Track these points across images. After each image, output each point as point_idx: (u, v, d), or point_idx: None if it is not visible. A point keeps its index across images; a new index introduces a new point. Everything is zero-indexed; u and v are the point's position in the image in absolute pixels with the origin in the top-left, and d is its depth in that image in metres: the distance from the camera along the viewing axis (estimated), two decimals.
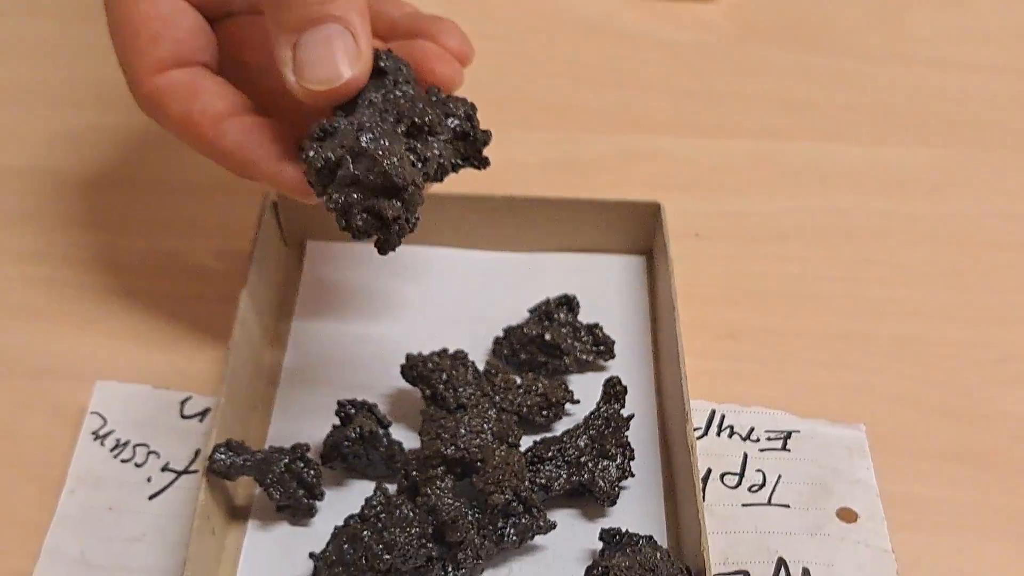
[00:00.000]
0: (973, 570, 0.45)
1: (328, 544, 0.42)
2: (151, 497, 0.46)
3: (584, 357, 0.51)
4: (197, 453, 0.47)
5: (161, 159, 0.61)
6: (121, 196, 0.59)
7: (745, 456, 0.48)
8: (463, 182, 0.58)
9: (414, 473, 0.44)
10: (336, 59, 0.41)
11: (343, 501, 0.45)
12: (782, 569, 0.44)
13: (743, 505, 0.46)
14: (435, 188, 0.54)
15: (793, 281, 0.56)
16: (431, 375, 0.47)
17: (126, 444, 0.48)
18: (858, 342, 0.53)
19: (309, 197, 0.43)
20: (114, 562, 0.44)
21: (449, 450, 0.44)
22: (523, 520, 0.43)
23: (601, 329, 0.51)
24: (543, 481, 0.44)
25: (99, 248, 0.56)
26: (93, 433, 0.48)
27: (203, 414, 0.49)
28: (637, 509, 0.46)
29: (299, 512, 0.45)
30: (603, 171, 0.61)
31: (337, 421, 0.46)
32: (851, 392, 0.51)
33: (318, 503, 0.45)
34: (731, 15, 0.71)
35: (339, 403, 0.46)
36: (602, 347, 0.51)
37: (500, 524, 0.43)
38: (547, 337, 0.50)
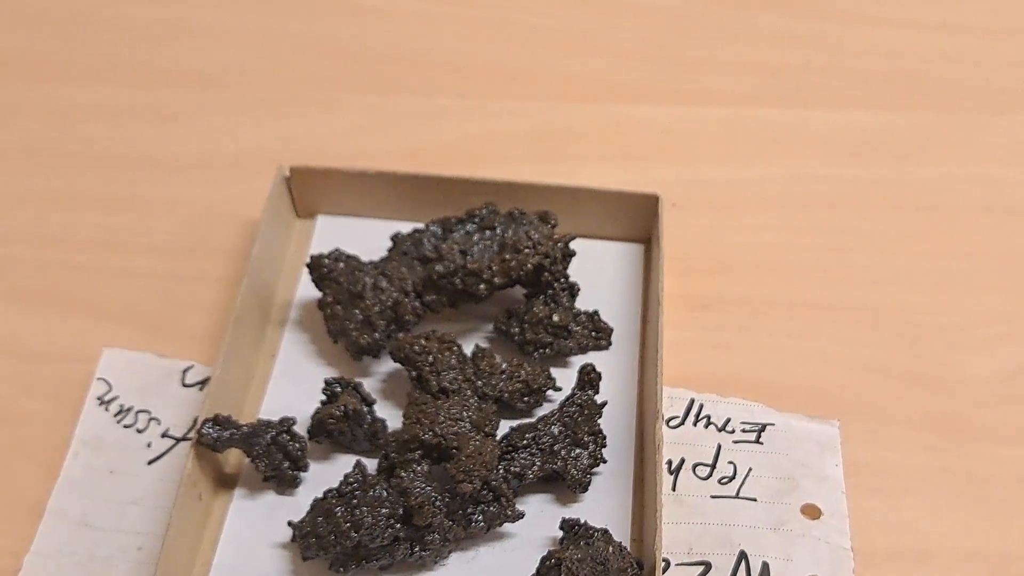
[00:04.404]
0: (934, 533, 0.47)
1: (306, 514, 0.45)
2: (150, 462, 0.49)
3: (584, 342, 0.52)
4: (196, 421, 0.50)
5: (159, 136, 0.62)
6: (120, 174, 0.61)
7: (719, 447, 0.49)
8: (455, 163, 0.60)
9: (393, 454, 0.46)
10: None
11: (328, 474, 0.48)
12: (743, 562, 0.46)
13: (712, 496, 0.48)
14: (433, 170, 0.56)
15: (765, 250, 0.57)
16: (417, 357, 0.49)
17: (129, 410, 0.50)
18: (828, 310, 0.55)
19: None
20: (113, 524, 0.47)
21: (427, 435, 0.46)
22: (491, 508, 0.45)
23: (599, 315, 0.53)
24: (517, 469, 0.46)
25: (104, 229, 0.58)
26: (98, 398, 0.50)
27: (204, 383, 0.51)
28: (607, 497, 0.47)
29: (284, 482, 0.47)
30: (580, 141, 0.62)
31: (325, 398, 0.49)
32: (820, 360, 0.53)
33: (303, 474, 0.48)
34: None
35: (326, 381, 0.48)
36: (600, 334, 0.52)
37: (469, 510, 0.45)
38: (555, 318, 0.51)
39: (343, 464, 0.48)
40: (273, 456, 0.47)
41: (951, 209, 0.59)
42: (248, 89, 0.65)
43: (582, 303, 0.53)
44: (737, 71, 0.66)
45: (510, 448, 0.47)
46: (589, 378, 0.49)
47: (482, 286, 0.51)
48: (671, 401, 0.50)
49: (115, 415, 0.50)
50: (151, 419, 0.50)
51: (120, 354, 0.52)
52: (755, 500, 0.47)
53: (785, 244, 0.57)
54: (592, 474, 0.47)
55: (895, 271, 0.56)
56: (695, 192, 0.59)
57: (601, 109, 0.64)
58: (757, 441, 0.49)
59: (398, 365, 0.51)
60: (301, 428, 0.48)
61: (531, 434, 0.47)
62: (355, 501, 0.44)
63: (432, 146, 0.62)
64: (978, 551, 0.47)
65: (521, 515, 0.46)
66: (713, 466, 0.49)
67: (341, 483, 0.45)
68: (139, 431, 0.50)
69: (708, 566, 0.46)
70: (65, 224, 0.58)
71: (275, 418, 0.48)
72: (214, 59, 0.67)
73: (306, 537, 0.44)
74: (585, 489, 0.47)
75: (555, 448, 0.47)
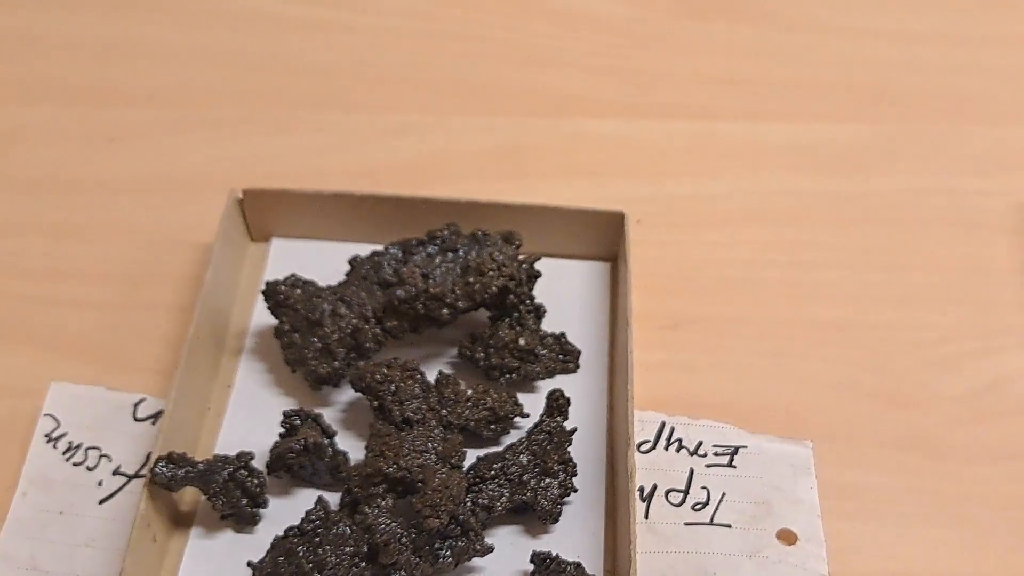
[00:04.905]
0: (912, 556, 0.46)
1: (266, 554, 0.43)
2: (101, 501, 0.47)
3: (551, 365, 0.51)
4: (148, 457, 0.48)
5: (105, 158, 0.60)
6: (65, 198, 0.58)
7: (691, 472, 0.48)
8: (415, 182, 0.58)
9: (356, 489, 0.45)
10: None
11: (288, 509, 0.46)
12: None
13: (686, 524, 0.46)
14: (391, 189, 0.54)
15: (732, 267, 0.56)
16: (379, 386, 0.47)
17: (78, 447, 0.48)
18: (796, 328, 0.54)
19: None
20: (64, 568, 0.45)
21: (390, 469, 0.44)
22: (459, 542, 0.43)
23: (566, 338, 0.51)
24: (485, 501, 0.45)
25: (48, 256, 0.56)
26: (46, 435, 0.48)
27: (156, 416, 0.49)
28: (578, 527, 0.46)
29: (242, 520, 0.46)
30: (541, 157, 0.61)
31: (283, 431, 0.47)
32: (790, 379, 0.52)
33: (262, 511, 0.46)
34: None
35: (284, 413, 0.47)
36: (568, 357, 0.51)
37: (436, 545, 0.43)
38: (521, 342, 0.50)
39: (304, 499, 0.46)
40: (231, 493, 0.45)
41: (916, 221, 0.58)
42: (198, 108, 0.63)
43: (548, 325, 0.52)
44: (699, 84, 0.65)
45: (477, 479, 0.45)
46: (558, 404, 0.47)
47: (445, 310, 0.49)
48: (642, 425, 0.49)
49: (64, 452, 0.48)
50: (102, 456, 0.48)
51: (68, 388, 0.50)
52: (730, 526, 0.46)
53: (752, 260, 0.56)
54: (563, 504, 0.46)
55: (863, 286, 0.55)
56: (659, 208, 0.58)
57: (562, 124, 0.63)
58: (730, 465, 0.48)
59: (359, 394, 0.49)
60: (259, 462, 0.47)
61: (499, 464, 0.46)
62: (317, 539, 0.42)
63: (390, 165, 0.60)
64: (957, 575, 0.46)
65: (490, 549, 0.44)
66: (686, 492, 0.47)
67: (303, 520, 0.43)
68: (89, 469, 0.48)
69: None
70: (6, 251, 0.56)
71: (232, 452, 0.46)
72: (162, 77, 0.64)
73: None
74: (556, 520, 0.46)
75: (524, 478, 0.46)
